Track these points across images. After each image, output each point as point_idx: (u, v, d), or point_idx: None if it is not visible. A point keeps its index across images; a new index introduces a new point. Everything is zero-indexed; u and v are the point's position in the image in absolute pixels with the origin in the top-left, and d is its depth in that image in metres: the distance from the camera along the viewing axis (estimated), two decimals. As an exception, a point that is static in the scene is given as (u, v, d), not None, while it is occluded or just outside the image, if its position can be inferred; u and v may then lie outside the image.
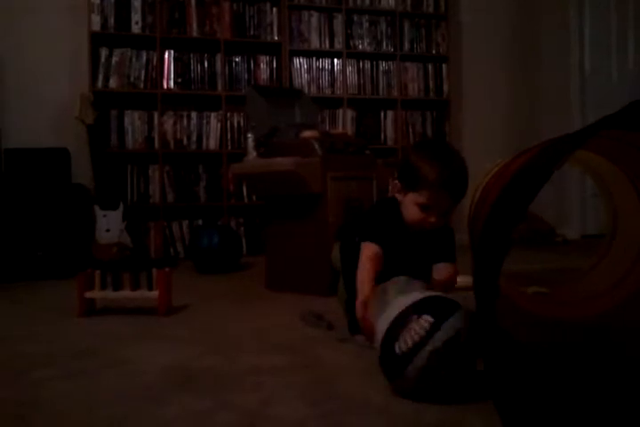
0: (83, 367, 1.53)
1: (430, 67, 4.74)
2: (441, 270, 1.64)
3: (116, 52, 4.05)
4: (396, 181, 1.64)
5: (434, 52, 4.73)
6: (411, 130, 4.69)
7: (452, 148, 1.63)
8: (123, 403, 1.26)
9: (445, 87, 4.75)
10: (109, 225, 3.44)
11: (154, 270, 2.18)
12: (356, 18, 4.57)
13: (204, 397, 1.28)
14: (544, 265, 3.36)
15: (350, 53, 4.54)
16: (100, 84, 3.99)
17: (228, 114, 4.25)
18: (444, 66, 4.75)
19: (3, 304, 2.57)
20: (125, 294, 2.20)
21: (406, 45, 4.67)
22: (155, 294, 2.18)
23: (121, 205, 3.48)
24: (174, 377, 1.43)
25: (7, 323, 2.17)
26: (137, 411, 1.21)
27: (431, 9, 4.71)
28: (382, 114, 4.64)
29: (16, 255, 3.26)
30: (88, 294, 2.19)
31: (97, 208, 3.44)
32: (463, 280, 2.58)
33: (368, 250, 1.60)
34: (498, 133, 4.90)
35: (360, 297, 1.51)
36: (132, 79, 4.07)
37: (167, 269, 2.20)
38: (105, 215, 3.44)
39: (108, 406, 1.25)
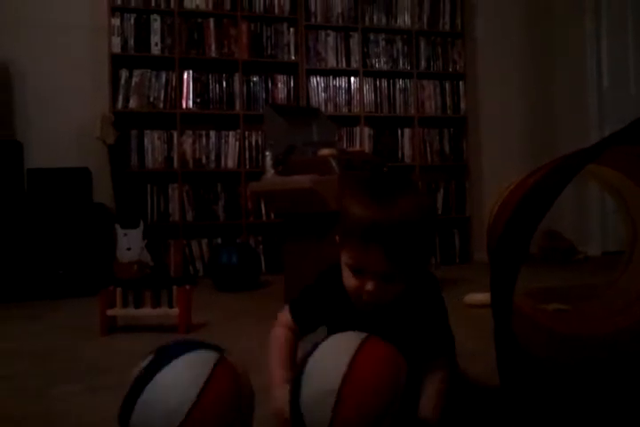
0: (105, 383, 1.55)
1: (447, 84, 4.76)
2: (427, 383, 1.13)
3: (136, 72, 4.12)
4: (337, 237, 1.17)
5: (450, 69, 4.76)
6: (428, 147, 4.70)
7: (406, 184, 1.14)
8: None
9: (462, 104, 4.77)
10: (130, 244, 3.48)
11: (174, 288, 2.21)
12: (372, 37, 4.61)
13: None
14: (565, 282, 3.34)
15: (367, 72, 4.58)
16: (120, 104, 4.06)
17: (246, 133, 4.30)
18: (460, 83, 4.77)
19: (25, 322, 2.60)
20: (146, 311, 2.22)
21: (423, 63, 4.70)
22: (175, 311, 2.20)
23: (141, 224, 3.52)
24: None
25: (29, 340, 2.20)
26: None
27: (447, 27, 4.75)
28: (399, 131, 4.66)
29: (38, 274, 3.31)
30: (110, 312, 2.22)
31: (118, 227, 3.48)
32: (483, 298, 2.58)
33: (280, 320, 1.29)
34: (516, 149, 4.90)
35: (273, 384, 1.19)
36: (151, 99, 4.14)
37: (187, 287, 2.23)
38: (126, 234, 3.48)
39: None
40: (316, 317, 1.25)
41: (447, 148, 4.74)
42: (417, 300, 1.19)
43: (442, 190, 4.69)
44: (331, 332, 1.19)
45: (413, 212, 1.06)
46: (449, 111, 4.75)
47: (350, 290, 1.14)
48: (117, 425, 1.24)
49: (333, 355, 1.01)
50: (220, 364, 1.00)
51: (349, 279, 1.13)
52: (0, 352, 1.98)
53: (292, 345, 1.24)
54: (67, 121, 4.04)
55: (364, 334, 1.04)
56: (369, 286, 1.09)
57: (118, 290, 2.22)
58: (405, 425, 0.98)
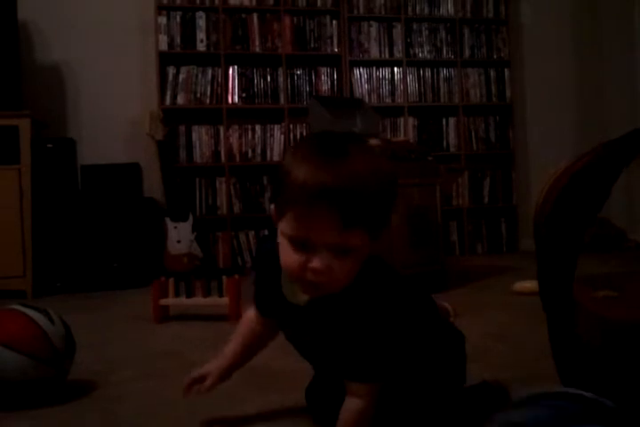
0: (162, 369, 1.62)
1: (492, 72, 4.72)
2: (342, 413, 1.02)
3: (183, 69, 4.21)
4: (272, 206, 1.03)
5: (495, 57, 4.71)
6: (474, 136, 4.67)
7: (359, 143, 0.98)
8: (200, 400, 1.32)
9: (508, 92, 4.72)
10: (180, 236, 3.56)
11: (224, 278, 2.26)
12: (415, 26, 4.60)
13: (276, 394, 1.33)
14: (614, 270, 3.29)
15: (410, 62, 4.57)
16: (168, 101, 4.15)
17: (291, 126, 4.34)
18: (505, 70, 4.72)
19: (83, 313, 2.69)
20: (198, 300, 2.29)
21: (467, 51, 4.67)
22: (225, 300, 2.26)
23: (190, 217, 3.60)
24: (246, 377, 1.49)
25: (87, 330, 2.28)
26: (215, 408, 1.27)
27: (491, 14, 4.70)
28: (444, 121, 4.64)
29: (94, 267, 3.42)
30: (163, 302, 2.29)
31: (168, 220, 3.57)
32: (531, 285, 2.57)
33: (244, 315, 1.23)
34: (564, 137, 4.82)
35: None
36: (198, 95, 4.22)
37: (237, 277, 2.28)
38: (176, 227, 3.56)
39: (188, 402, 1.32)
40: (267, 303, 1.12)
41: (493, 136, 4.70)
42: (358, 301, 0.97)
43: (488, 179, 4.66)
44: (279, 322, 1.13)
45: (368, 172, 0.90)
46: (494, 99, 4.71)
47: (291, 268, 0.92)
48: (170, 408, 1.30)
49: None
50: None
51: (289, 255, 0.92)
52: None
53: (244, 338, 1.23)
54: (117, 119, 4.15)
55: None
56: (316, 261, 0.89)
57: (170, 280, 2.29)
58: None
